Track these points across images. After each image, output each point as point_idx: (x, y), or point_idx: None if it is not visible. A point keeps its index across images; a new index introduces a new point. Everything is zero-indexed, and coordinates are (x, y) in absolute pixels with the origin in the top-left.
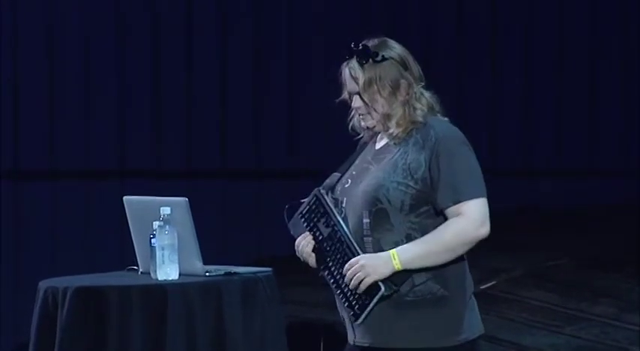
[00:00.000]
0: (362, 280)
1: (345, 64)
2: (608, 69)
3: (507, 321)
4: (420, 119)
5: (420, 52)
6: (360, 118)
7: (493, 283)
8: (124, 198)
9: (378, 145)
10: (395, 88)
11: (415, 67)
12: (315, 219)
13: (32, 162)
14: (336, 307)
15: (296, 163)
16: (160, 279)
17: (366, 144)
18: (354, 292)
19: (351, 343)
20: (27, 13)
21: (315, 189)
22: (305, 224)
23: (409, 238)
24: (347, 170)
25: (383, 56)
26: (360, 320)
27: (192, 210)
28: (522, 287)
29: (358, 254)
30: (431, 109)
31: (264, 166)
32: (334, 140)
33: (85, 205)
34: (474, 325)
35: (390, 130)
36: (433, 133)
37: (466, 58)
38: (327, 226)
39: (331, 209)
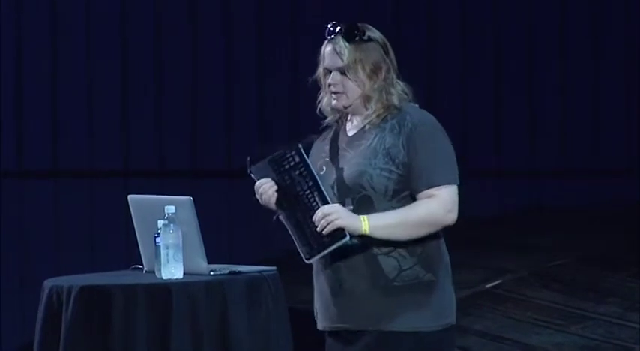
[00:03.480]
0: (331, 222)
1: (326, 41)
2: (610, 69)
3: (513, 320)
4: (396, 103)
5: (423, 52)
6: (333, 97)
7: (498, 282)
8: (129, 197)
9: (351, 132)
10: (376, 70)
11: (393, 56)
12: (287, 167)
13: (36, 161)
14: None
15: None
16: (164, 278)
17: (329, 129)
18: (315, 233)
19: (323, 328)
20: (30, 12)
21: (294, 143)
22: (273, 169)
23: None
24: (317, 155)
25: (369, 37)
26: (313, 259)
27: (196, 209)
28: (527, 286)
29: (331, 203)
30: (405, 96)
31: None
32: None
33: (89, 204)
34: (454, 310)
35: (368, 112)
36: (409, 119)
37: (469, 58)
38: (300, 175)
39: (309, 164)
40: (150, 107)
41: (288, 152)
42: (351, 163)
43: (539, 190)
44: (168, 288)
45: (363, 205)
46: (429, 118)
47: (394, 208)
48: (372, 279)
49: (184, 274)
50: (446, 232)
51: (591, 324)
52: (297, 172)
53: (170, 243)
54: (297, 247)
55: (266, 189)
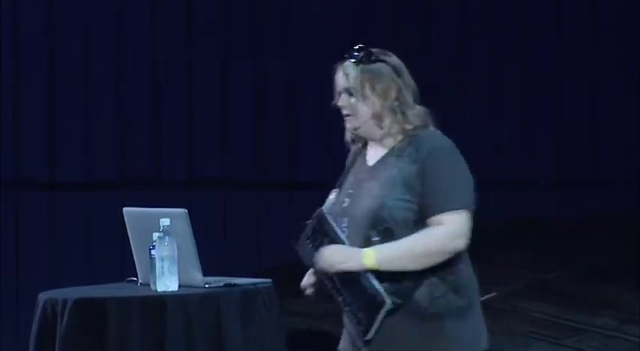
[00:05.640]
0: (333, 266)
1: (338, 64)
2: (608, 79)
3: (508, 333)
4: (412, 124)
5: (421, 53)
6: (346, 120)
7: (493, 294)
8: (124, 209)
9: (372, 161)
10: (387, 89)
11: (409, 80)
12: (320, 239)
13: (32, 173)
14: (337, 319)
15: (296, 174)
16: (159, 290)
17: (356, 157)
18: (361, 308)
19: None
20: (27, 19)
21: (318, 209)
22: (310, 246)
23: None
24: (342, 188)
25: (377, 58)
26: (369, 335)
27: (192, 221)
28: (523, 299)
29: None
30: (422, 120)
31: (264, 176)
32: (334, 151)
33: (85, 216)
34: (486, 335)
35: (383, 131)
36: (424, 145)
37: (467, 69)
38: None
39: (333, 229)
40: (146, 118)
41: (315, 224)
42: (371, 194)
43: (535, 201)
44: (163, 300)
45: (386, 236)
46: (445, 143)
47: None
48: (405, 309)
49: (179, 286)
50: None
51: (587, 336)
52: (329, 244)
53: (165, 255)
54: (350, 325)
55: (306, 292)
